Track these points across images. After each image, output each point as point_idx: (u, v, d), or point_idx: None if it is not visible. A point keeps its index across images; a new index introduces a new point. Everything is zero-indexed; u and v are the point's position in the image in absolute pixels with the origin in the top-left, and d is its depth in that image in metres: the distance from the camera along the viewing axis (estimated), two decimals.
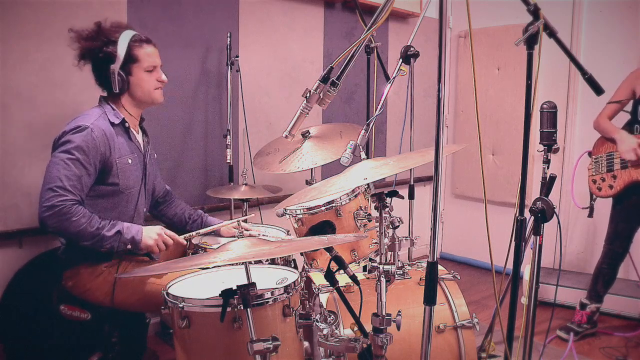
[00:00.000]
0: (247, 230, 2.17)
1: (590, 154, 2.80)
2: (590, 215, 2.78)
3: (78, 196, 1.73)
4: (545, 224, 1.53)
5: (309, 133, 2.38)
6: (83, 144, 1.74)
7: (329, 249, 1.38)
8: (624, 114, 2.73)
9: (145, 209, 2.06)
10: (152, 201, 2.19)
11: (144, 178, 2.01)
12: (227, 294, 1.32)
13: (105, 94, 1.93)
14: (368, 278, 1.88)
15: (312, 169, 2.65)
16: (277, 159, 2.34)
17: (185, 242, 1.94)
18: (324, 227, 2.00)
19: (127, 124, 1.92)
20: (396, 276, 1.56)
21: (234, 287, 1.33)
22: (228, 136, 2.72)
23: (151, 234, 1.83)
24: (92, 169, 1.77)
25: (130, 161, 1.90)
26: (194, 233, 1.98)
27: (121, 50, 1.81)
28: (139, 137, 2.01)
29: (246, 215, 2.41)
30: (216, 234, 2.20)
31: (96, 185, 1.82)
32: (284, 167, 2.26)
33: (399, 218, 1.64)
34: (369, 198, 2.07)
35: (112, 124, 1.86)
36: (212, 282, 1.66)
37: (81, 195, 1.74)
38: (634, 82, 2.67)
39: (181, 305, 1.42)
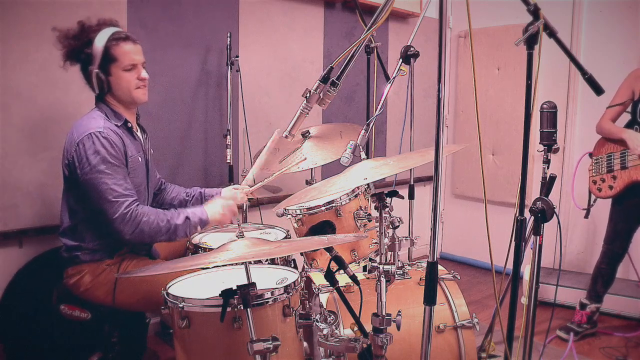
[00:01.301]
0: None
1: (591, 155, 2.80)
2: (587, 216, 2.79)
3: (134, 195, 1.78)
4: (545, 224, 1.53)
5: (309, 133, 2.38)
6: (108, 147, 1.76)
7: (329, 249, 1.38)
8: (623, 114, 2.73)
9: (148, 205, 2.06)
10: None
11: (147, 175, 2.01)
12: (227, 294, 1.32)
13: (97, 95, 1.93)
14: (368, 278, 1.88)
15: (312, 169, 2.65)
16: (277, 158, 2.34)
17: (247, 201, 2.02)
18: (324, 227, 2.00)
19: (129, 124, 1.92)
20: (396, 276, 1.56)
21: (234, 287, 1.33)
22: (228, 136, 2.72)
23: (216, 211, 1.89)
24: (125, 166, 1.81)
25: (140, 159, 1.92)
26: (253, 190, 2.06)
27: (97, 50, 1.79)
28: (139, 134, 2.01)
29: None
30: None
31: None
32: (284, 167, 2.26)
33: (399, 218, 1.64)
34: (369, 198, 2.07)
35: (116, 125, 1.86)
36: (212, 282, 1.66)
37: (134, 193, 1.79)
38: (633, 83, 2.67)
39: (181, 305, 1.42)
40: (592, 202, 2.80)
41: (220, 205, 1.92)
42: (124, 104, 1.91)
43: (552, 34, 1.40)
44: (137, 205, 1.76)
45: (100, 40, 1.79)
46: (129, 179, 1.81)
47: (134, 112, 1.99)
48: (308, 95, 1.40)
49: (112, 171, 1.74)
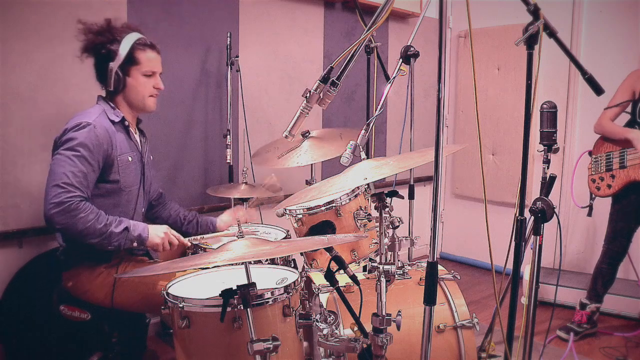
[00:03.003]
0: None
1: (590, 153, 2.80)
2: (590, 214, 2.78)
3: (85, 192, 1.73)
4: (545, 224, 1.53)
5: (309, 133, 2.38)
6: (87, 140, 1.74)
7: (329, 249, 1.38)
8: (622, 115, 2.73)
9: (143, 209, 2.06)
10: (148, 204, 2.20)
11: (143, 178, 2.01)
12: (227, 294, 1.32)
13: (103, 94, 1.94)
14: (368, 278, 1.88)
15: (312, 167, 2.66)
16: (276, 154, 2.34)
17: (189, 244, 1.94)
18: (324, 227, 2.00)
19: (126, 122, 1.92)
20: (396, 276, 1.56)
21: (234, 287, 1.33)
22: (228, 136, 2.72)
23: (158, 232, 1.83)
24: (97, 165, 1.77)
25: (130, 159, 1.91)
26: (199, 237, 1.99)
27: (123, 49, 1.83)
28: (137, 137, 2.01)
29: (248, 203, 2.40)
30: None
31: (98, 182, 1.82)
32: (283, 162, 2.26)
33: (399, 218, 1.64)
34: (369, 198, 2.07)
35: (112, 122, 1.86)
36: (212, 282, 1.66)
37: (87, 192, 1.75)
38: (633, 83, 2.67)
39: (181, 305, 1.42)
40: (592, 200, 2.80)
41: (165, 231, 1.85)
42: (132, 107, 1.93)
43: (552, 34, 1.40)
44: (81, 201, 1.69)
45: (127, 41, 1.83)
46: (93, 177, 1.76)
47: (135, 115, 2.00)
48: (308, 95, 1.39)
49: (78, 161, 1.72)
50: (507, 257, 1.75)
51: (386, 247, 1.52)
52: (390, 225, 1.63)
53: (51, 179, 1.70)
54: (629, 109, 2.70)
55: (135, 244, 1.79)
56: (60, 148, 1.74)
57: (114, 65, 1.83)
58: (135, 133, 2.00)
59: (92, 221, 1.69)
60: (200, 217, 2.26)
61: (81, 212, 1.68)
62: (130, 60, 1.85)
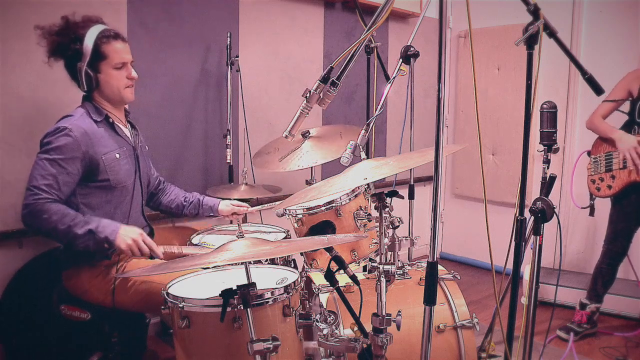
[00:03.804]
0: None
1: (589, 153, 2.80)
2: (592, 214, 2.78)
3: (54, 194, 1.71)
4: (545, 224, 1.53)
5: (309, 133, 2.38)
6: (61, 144, 1.73)
7: (329, 249, 1.38)
8: (621, 115, 2.73)
9: (142, 201, 2.05)
10: (148, 193, 2.19)
11: (138, 171, 1.99)
12: (227, 294, 1.32)
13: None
14: (368, 278, 1.88)
15: (312, 168, 2.65)
16: (277, 157, 2.34)
17: (162, 256, 1.82)
18: (324, 227, 2.00)
19: (111, 120, 1.90)
20: (396, 276, 1.56)
21: (234, 287, 1.33)
22: (228, 136, 2.72)
23: (126, 238, 1.72)
24: (73, 168, 1.74)
25: (118, 156, 1.88)
26: (174, 249, 1.88)
27: (88, 46, 1.77)
28: (127, 130, 1.99)
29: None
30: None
31: (87, 183, 1.81)
32: (284, 166, 2.26)
33: (399, 218, 1.64)
34: (369, 198, 2.07)
35: (95, 121, 1.84)
36: (212, 282, 1.66)
37: (57, 194, 1.72)
38: (630, 83, 2.67)
39: (181, 305, 1.42)
40: (592, 200, 2.80)
41: (134, 237, 1.74)
42: (111, 102, 1.91)
43: (552, 34, 1.40)
44: (46, 203, 1.68)
45: (90, 37, 1.78)
46: (67, 179, 1.73)
47: (121, 109, 1.98)
48: (308, 95, 1.40)
49: (49, 164, 1.71)
50: (507, 257, 1.74)
51: (386, 247, 1.52)
52: (390, 225, 1.64)
53: (28, 180, 1.72)
54: (626, 109, 2.70)
55: (106, 245, 1.72)
56: (38, 152, 1.75)
57: (82, 65, 1.79)
58: (125, 127, 1.99)
59: (55, 222, 1.66)
60: (202, 197, 2.24)
61: (44, 213, 1.67)
62: (98, 55, 1.79)
